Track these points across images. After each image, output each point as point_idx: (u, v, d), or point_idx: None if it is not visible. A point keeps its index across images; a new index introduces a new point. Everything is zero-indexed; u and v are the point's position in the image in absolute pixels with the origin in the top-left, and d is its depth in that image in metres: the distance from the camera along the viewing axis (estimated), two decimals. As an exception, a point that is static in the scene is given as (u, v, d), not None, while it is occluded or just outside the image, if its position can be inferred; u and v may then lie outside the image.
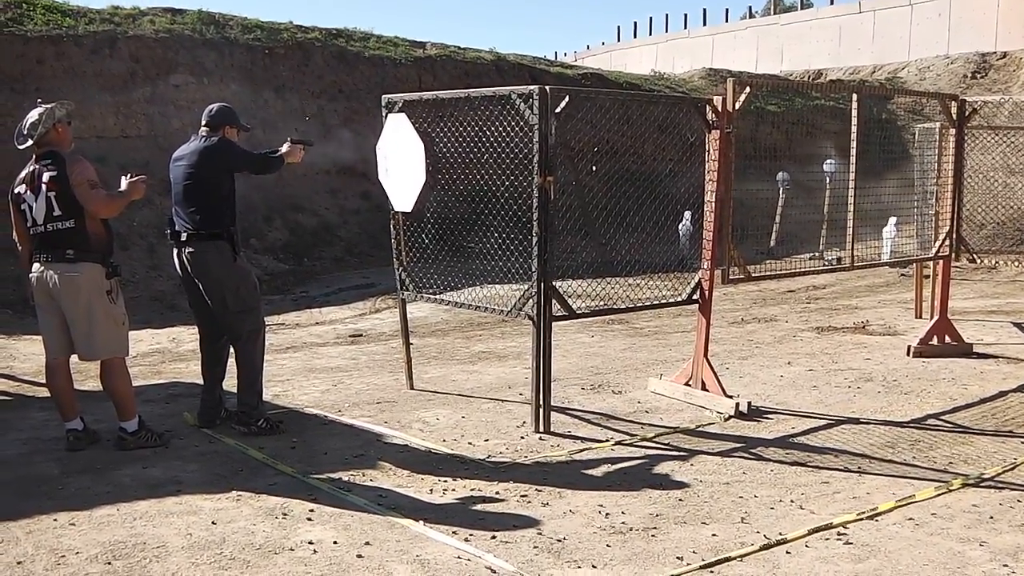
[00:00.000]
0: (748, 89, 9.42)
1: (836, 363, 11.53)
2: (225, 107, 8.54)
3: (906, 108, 29.65)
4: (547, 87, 8.28)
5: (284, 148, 8.63)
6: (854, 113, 10.49)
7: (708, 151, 9.26)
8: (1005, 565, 5.78)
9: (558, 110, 8.23)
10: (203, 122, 8.37)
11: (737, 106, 9.24)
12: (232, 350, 8.49)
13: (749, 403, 9.11)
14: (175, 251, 8.28)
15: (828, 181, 19.83)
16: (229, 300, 8.16)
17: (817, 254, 18.83)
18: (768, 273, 10.72)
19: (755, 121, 25.89)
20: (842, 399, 9.80)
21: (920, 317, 14.36)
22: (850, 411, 9.32)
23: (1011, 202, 18.84)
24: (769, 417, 8.99)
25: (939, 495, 6.98)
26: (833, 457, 7.87)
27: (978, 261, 13.47)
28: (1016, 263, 15.77)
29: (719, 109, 9.17)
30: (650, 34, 55.74)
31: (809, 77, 37.98)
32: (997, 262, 16.58)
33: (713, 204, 9.16)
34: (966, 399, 9.88)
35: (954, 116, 11.89)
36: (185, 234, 8.11)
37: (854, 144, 10.50)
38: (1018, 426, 8.92)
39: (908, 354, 11.82)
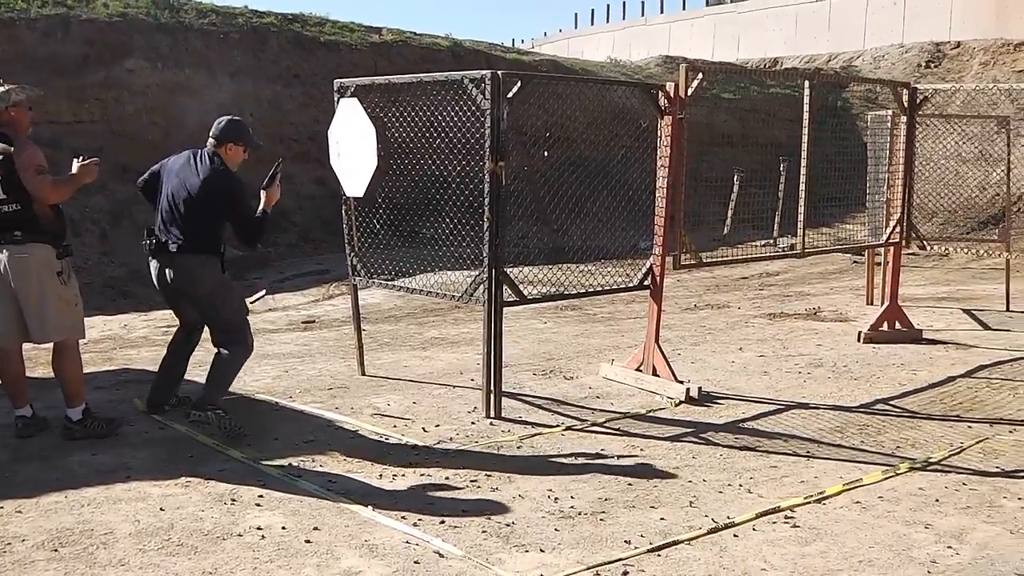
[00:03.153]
0: (700, 75, 9.47)
1: (787, 349, 11.61)
2: (234, 122, 8.08)
3: (861, 96, 29.83)
4: (499, 72, 8.29)
5: (266, 193, 8.04)
6: (806, 101, 10.54)
7: (660, 137, 9.29)
8: (949, 547, 5.86)
9: (510, 95, 8.21)
10: (210, 133, 8.00)
11: (689, 92, 9.27)
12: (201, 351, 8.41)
13: (700, 388, 9.16)
14: (156, 262, 7.96)
15: (783, 169, 19.97)
16: (223, 312, 7.99)
17: (771, 241, 18.91)
18: (719, 259, 10.77)
19: (710, 108, 25.99)
20: (792, 384, 9.87)
21: (871, 303, 14.47)
22: (800, 396, 9.39)
23: (962, 190, 19.07)
24: (720, 402, 9.04)
25: (886, 479, 7.06)
26: (782, 442, 7.93)
27: (929, 248, 13.59)
28: (967, 250, 15.92)
29: (671, 95, 9.20)
30: (607, 21, 55.79)
31: (766, 65, 38.12)
32: (948, 249, 16.74)
33: (665, 190, 9.19)
34: (915, 384, 9.98)
35: (905, 104, 11.99)
36: (175, 246, 7.79)
37: (805, 132, 10.56)
38: (965, 411, 9.02)
39: (859, 340, 11.93)
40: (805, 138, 10.57)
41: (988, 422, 8.65)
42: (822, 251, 12.41)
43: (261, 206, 7.97)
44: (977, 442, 8.00)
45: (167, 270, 7.87)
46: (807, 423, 8.52)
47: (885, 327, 12.08)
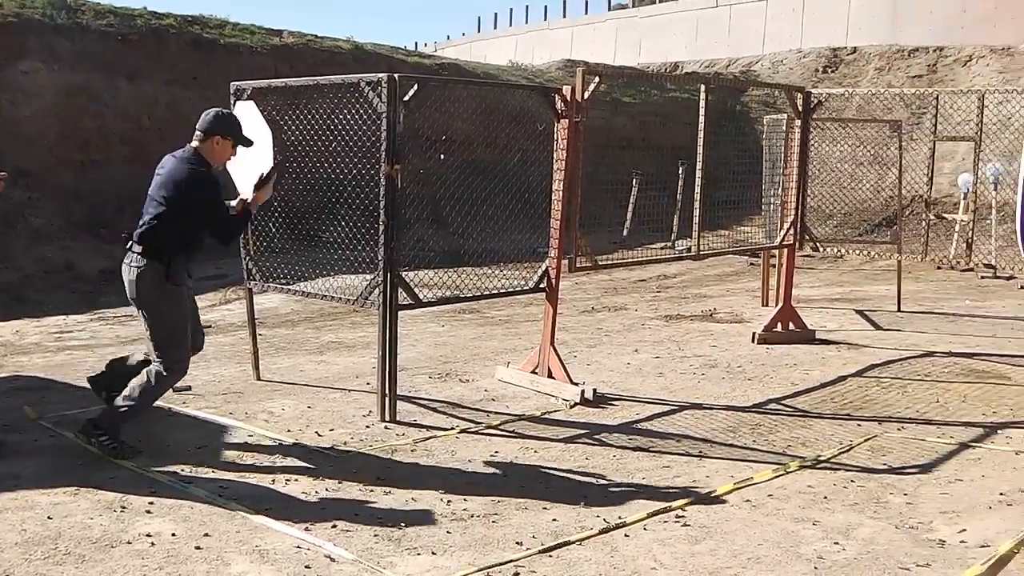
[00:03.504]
0: (597, 79, 9.53)
1: (682, 350, 11.73)
2: (222, 115, 7.55)
3: (759, 100, 30.19)
4: (395, 75, 8.27)
5: (248, 196, 7.70)
6: (702, 105, 10.66)
7: (557, 140, 9.34)
8: (836, 543, 5.96)
9: (406, 98, 8.22)
10: (196, 126, 7.46)
11: (586, 96, 9.33)
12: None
13: (595, 390, 9.22)
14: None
15: (681, 172, 20.15)
16: (154, 318, 7.38)
17: (669, 244, 19.10)
18: (615, 262, 10.86)
19: (610, 112, 26.15)
20: (687, 385, 9.97)
21: (767, 305, 14.67)
22: (694, 397, 9.49)
23: (858, 193, 19.37)
24: (614, 404, 9.11)
25: (776, 477, 7.17)
26: (675, 442, 8.01)
27: (821, 250, 13.80)
28: (860, 252, 16.19)
29: (568, 98, 9.25)
30: (510, 25, 55.96)
31: (666, 69, 38.40)
32: (843, 251, 17.02)
33: (561, 193, 9.24)
34: (807, 384, 10.14)
35: (800, 108, 12.16)
36: (129, 243, 7.38)
37: (701, 135, 10.68)
38: (855, 409, 9.20)
39: (753, 341, 12.08)
40: (701, 141, 10.69)
41: (877, 420, 8.83)
42: (717, 253, 12.57)
43: (246, 205, 7.66)
44: (866, 440, 8.16)
45: (122, 267, 7.45)
46: (700, 423, 8.62)
47: (779, 328, 12.26)
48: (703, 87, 10.73)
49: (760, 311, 14.34)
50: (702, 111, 10.60)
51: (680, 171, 20.34)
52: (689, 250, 11.46)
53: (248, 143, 7.73)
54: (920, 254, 12.76)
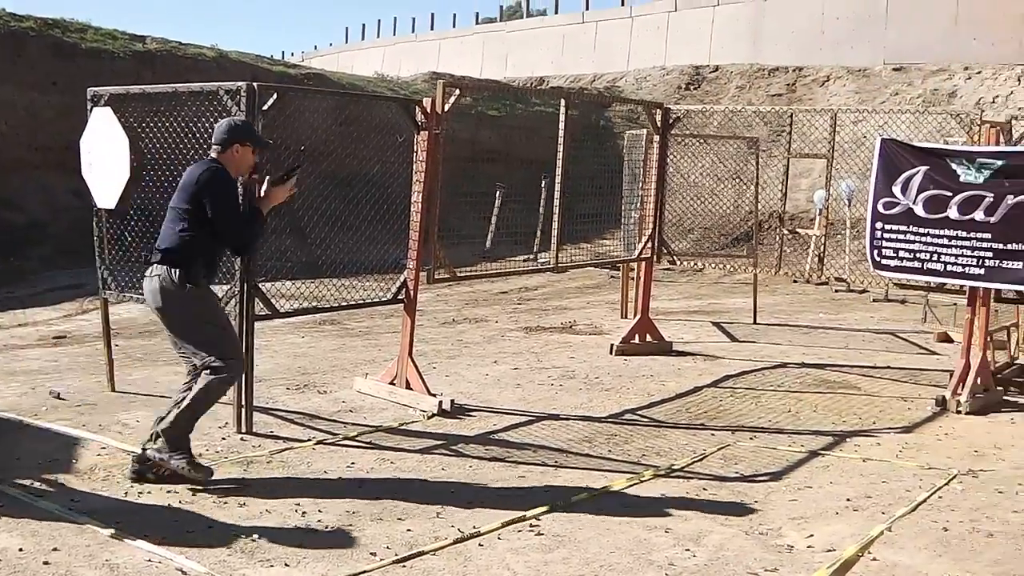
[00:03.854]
0: (457, 91, 9.58)
1: (541, 361, 11.82)
2: (234, 123, 7.40)
3: (623, 116, 30.53)
4: (255, 84, 8.24)
5: (266, 190, 7.44)
6: (562, 119, 10.77)
7: (416, 152, 9.37)
8: (687, 549, 6.07)
9: (265, 107, 8.18)
10: (212, 140, 7.34)
11: (446, 108, 9.38)
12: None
13: (452, 401, 9.25)
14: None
15: (544, 185, 20.27)
16: (190, 336, 7.17)
17: (531, 256, 19.22)
18: (474, 273, 10.91)
19: (476, 125, 26.25)
20: (544, 396, 10.06)
21: (626, 317, 14.85)
22: (551, 408, 9.58)
23: (718, 208, 19.67)
24: (472, 415, 9.15)
25: (631, 486, 7.28)
26: (532, 452, 8.08)
27: (679, 263, 14.02)
28: (718, 266, 16.47)
29: (428, 110, 9.28)
30: (378, 36, 55.89)
31: (532, 84, 38.67)
32: (702, 264, 17.31)
33: (420, 204, 9.27)
34: (663, 394, 10.31)
35: (659, 123, 12.35)
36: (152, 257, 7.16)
37: (561, 149, 10.78)
38: (710, 419, 9.39)
39: (611, 352, 12.23)
40: (561, 155, 10.79)
41: (731, 429, 9.03)
42: (576, 266, 12.70)
43: (258, 205, 7.39)
44: (719, 449, 8.34)
45: (144, 282, 7.22)
46: (557, 433, 8.70)
47: (636, 340, 12.44)
48: (563, 101, 10.84)
49: (619, 323, 14.52)
50: (562, 125, 10.71)
51: (543, 184, 20.48)
52: (548, 262, 11.56)
53: (267, 145, 7.68)
54: (775, 268, 13.03)
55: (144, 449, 7.10)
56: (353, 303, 9.72)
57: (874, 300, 18.45)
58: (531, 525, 6.41)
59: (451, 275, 9.81)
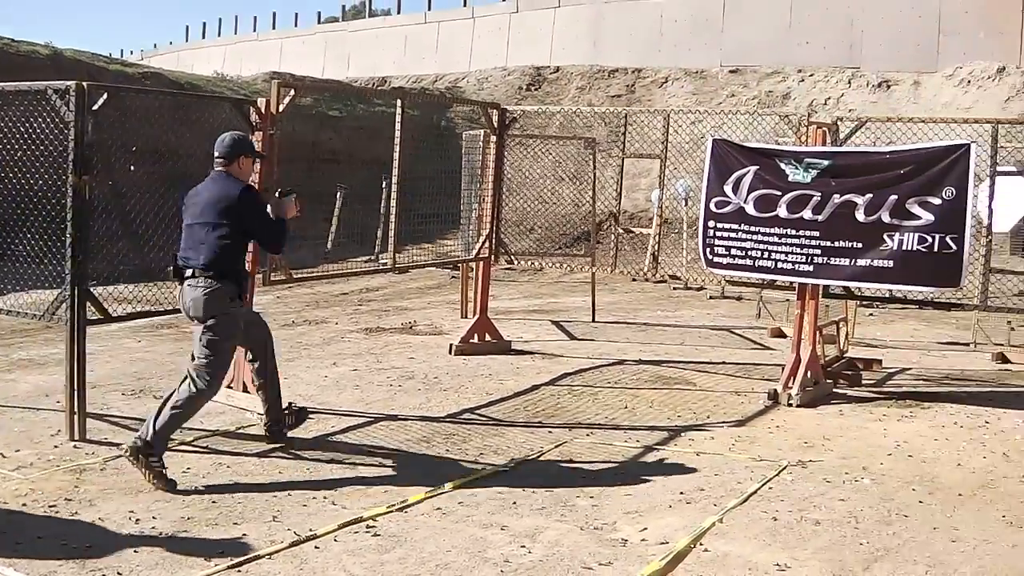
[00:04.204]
0: (292, 91, 9.51)
1: (381, 363, 11.80)
2: (238, 137, 7.97)
3: (465, 116, 30.60)
4: (84, 83, 8.07)
5: (276, 202, 8.10)
6: (398, 119, 10.76)
7: (251, 153, 9.25)
8: (523, 546, 6.13)
9: (95, 107, 8.03)
10: (216, 153, 7.80)
11: (281, 108, 9.29)
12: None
13: (291, 404, 9.16)
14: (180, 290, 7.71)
15: (385, 186, 20.22)
16: (215, 333, 7.61)
17: (373, 257, 19.18)
18: (311, 275, 10.89)
19: (318, 126, 26.07)
20: (383, 397, 10.04)
21: (466, 317, 14.90)
22: (390, 408, 9.57)
23: (559, 207, 19.90)
24: (310, 417, 9.07)
25: (468, 484, 7.30)
26: (369, 454, 8.07)
27: (516, 262, 14.13)
28: (557, 265, 16.64)
29: (263, 111, 9.20)
30: (219, 35, 55.22)
31: (374, 84, 38.59)
32: (542, 264, 17.47)
33: (254, 206, 9.16)
34: (501, 393, 10.38)
35: (495, 124, 12.42)
36: (190, 272, 7.56)
37: (397, 149, 10.77)
38: (547, 417, 9.48)
39: (450, 352, 12.27)
40: (397, 155, 10.78)
41: (568, 427, 9.13)
42: (415, 266, 12.72)
43: (277, 213, 7.98)
44: (556, 446, 8.43)
45: (187, 297, 7.60)
46: (395, 434, 8.70)
47: (475, 339, 12.50)
48: (399, 101, 10.83)
49: (460, 323, 14.56)
50: (398, 125, 10.70)
51: (384, 185, 20.43)
52: (388, 263, 11.54)
53: (262, 156, 8.48)
54: (610, 266, 13.22)
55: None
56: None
57: (711, 297, 18.86)
58: (368, 526, 6.40)
59: (287, 276, 9.72)
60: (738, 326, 15.48)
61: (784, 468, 7.93)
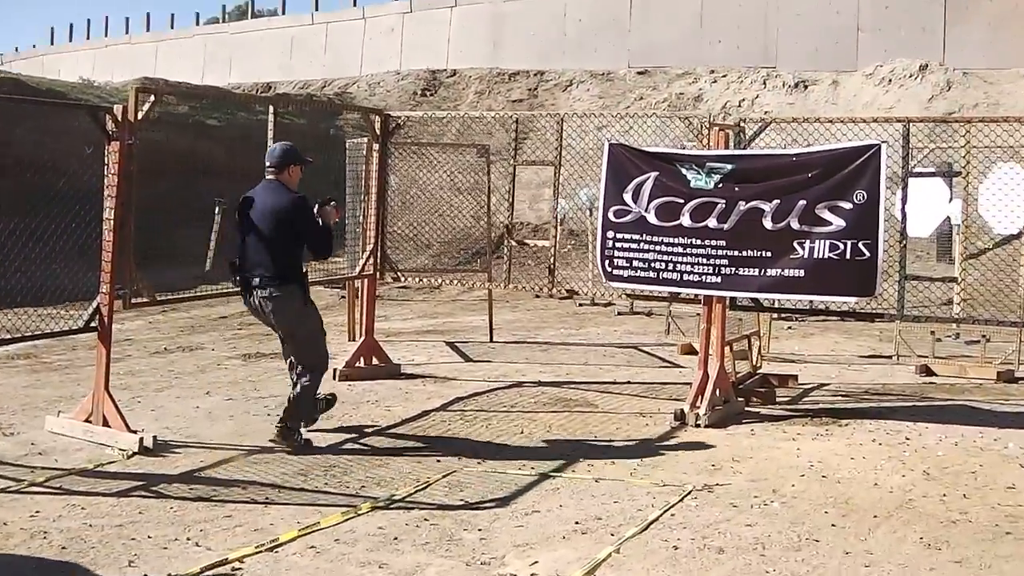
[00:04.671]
0: (153, 98, 9.38)
1: (258, 391, 11.66)
2: (287, 147, 9.38)
3: (355, 125, 30.48)
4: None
5: (322, 211, 9.40)
6: (270, 126, 10.67)
7: (108, 164, 9.11)
8: (402, 585, 6.07)
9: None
10: (267, 163, 9.27)
11: (140, 116, 9.16)
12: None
13: (155, 438, 9.00)
14: (247, 295, 9.27)
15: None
16: (298, 339, 9.41)
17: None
18: (177, 296, 10.72)
19: (195, 135, 25.79)
20: (259, 428, 9.88)
21: (353, 339, 14.75)
22: (265, 440, 9.39)
23: (458, 220, 19.80)
24: (177, 451, 8.93)
25: (346, 520, 7.24)
26: (240, 489, 7.95)
27: (406, 280, 14.05)
28: (453, 281, 16.56)
29: (119, 119, 9.05)
30: (88, 38, 54.44)
31: (258, 90, 38.30)
32: (439, 280, 17.40)
33: (112, 222, 9.01)
34: (388, 420, 10.31)
35: (378, 131, 12.35)
36: (257, 279, 9.04)
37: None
38: (436, 445, 9.44)
39: (334, 378, 12.12)
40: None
41: (458, 455, 9.07)
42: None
43: (324, 221, 9.38)
44: (444, 476, 8.37)
45: (257, 302, 9.19)
46: (270, 468, 8.58)
47: (361, 363, 12.38)
48: (271, 108, 10.75)
49: (347, 346, 14.39)
50: (271, 133, 10.62)
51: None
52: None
53: (309, 162, 9.60)
54: (504, 282, 13.18)
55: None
56: (37, 334, 9.37)
57: (619, 313, 18.92)
58: (233, 568, 6.31)
59: (151, 299, 9.58)
60: (646, 343, 15.55)
61: (688, 493, 7.95)
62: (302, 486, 8.10)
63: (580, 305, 19.74)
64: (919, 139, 11.85)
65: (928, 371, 13.07)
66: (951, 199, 13.27)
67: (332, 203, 9.49)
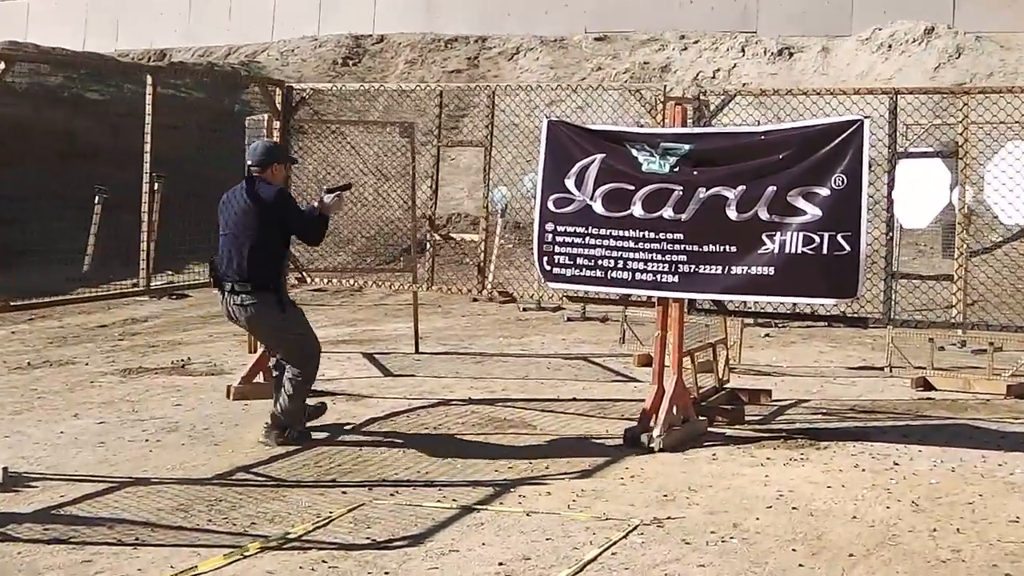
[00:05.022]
0: (3, 64, 9.27)
1: (137, 412, 11.56)
2: (270, 144, 10.59)
3: (263, 99, 30.37)
4: None
5: (327, 199, 10.26)
6: (148, 101, 10.59)
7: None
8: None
9: None
10: (249, 161, 10.18)
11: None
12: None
13: (5, 469, 8.89)
14: (222, 298, 10.10)
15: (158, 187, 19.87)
16: (280, 339, 10.34)
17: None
18: (41, 302, 10.59)
19: (73, 111, 25.56)
20: (135, 456, 9.81)
21: (254, 351, 14.66)
22: (141, 470, 9.34)
23: (386, 212, 19.69)
24: (34, 485, 8.81)
25: (229, 563, 7.17)
26: (106, 529, 7.85)
27: (310, 280, 13.94)
28: (370, 283, 16.47)
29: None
30: (-55, -6, 53.78)
31: (150, 58, 37.99)
32: (356, 282, 17.30)
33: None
34: (287, 446, 10.21)
35: (279, 105, 12.27)
36: (230, 284, 9.89)
37: (148, 139, 10.59)
38: (343, 473, 9.39)
39: (229, 396, 12.06)
40: (148, 148, 10.61)
41: (368, 485, 9.05)
42: (178, 287, 12.49)
43: (323, 208, 10.24)
44: (349, 510, 8.32)
45: (231, 308, 10.03)
46: (144, 503, 8.49)
47: (261, 379, 12.28)
48: (149, 78, 10.67)
49: (246, 359, 14.28)
50: (148, 108, 10.54)
51: (157, 186, 20.09)
52: (172, 283, 11.47)
53: (294, 161, 11.06)
54: (427, 283, 13.08)
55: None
56: None
57: (569, 319, 18.91)
58: (85, 625, 6.24)
59: (3, 305, 9.48)
60: (598, 353, 15.56)
61: (634, 528, 7.92)
62: (180, 523, 8.01)
63: (524, 310, 19.75)
64: (921, 114, 11.70)
65: (926, 385, 13.09)
66: (955, 184, 13.24)
67: (341, 191, 10.41)
